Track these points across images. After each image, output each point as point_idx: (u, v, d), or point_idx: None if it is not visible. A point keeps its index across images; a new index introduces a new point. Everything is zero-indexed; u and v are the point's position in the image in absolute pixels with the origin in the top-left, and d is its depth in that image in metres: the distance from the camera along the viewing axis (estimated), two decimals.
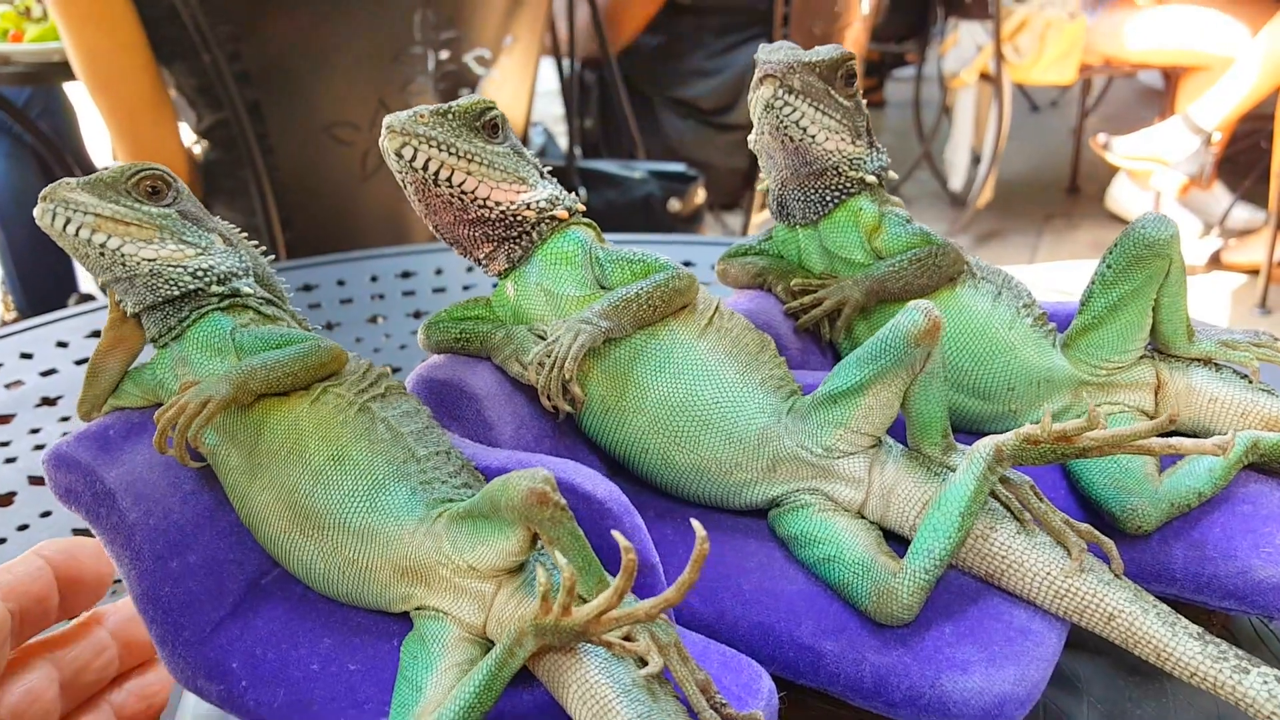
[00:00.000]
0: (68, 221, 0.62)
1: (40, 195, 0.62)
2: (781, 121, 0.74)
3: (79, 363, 1.21)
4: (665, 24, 2.99)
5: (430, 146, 0.67)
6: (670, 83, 2.99)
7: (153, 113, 1.95)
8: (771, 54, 0.75)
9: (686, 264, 1.33)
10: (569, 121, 2.74)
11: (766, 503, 0.68)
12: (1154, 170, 4.04)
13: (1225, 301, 3.85)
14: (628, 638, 0.53)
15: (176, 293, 0.64)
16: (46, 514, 0.93)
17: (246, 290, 0.66)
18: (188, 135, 2.03)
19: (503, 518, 0.55)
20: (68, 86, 2.78)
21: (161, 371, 0.65)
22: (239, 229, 0.71)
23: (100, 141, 4.85)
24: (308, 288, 1.42)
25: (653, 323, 0.69)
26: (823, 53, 0.75)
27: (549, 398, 0.68)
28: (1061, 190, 4.92)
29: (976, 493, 0.60)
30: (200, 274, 0.65)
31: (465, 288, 1.41)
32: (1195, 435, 0.73)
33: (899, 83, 6.19)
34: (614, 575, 0.51)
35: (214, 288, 0.65)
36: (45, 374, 1.20)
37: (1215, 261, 4.04)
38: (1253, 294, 3.79)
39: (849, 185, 0.78)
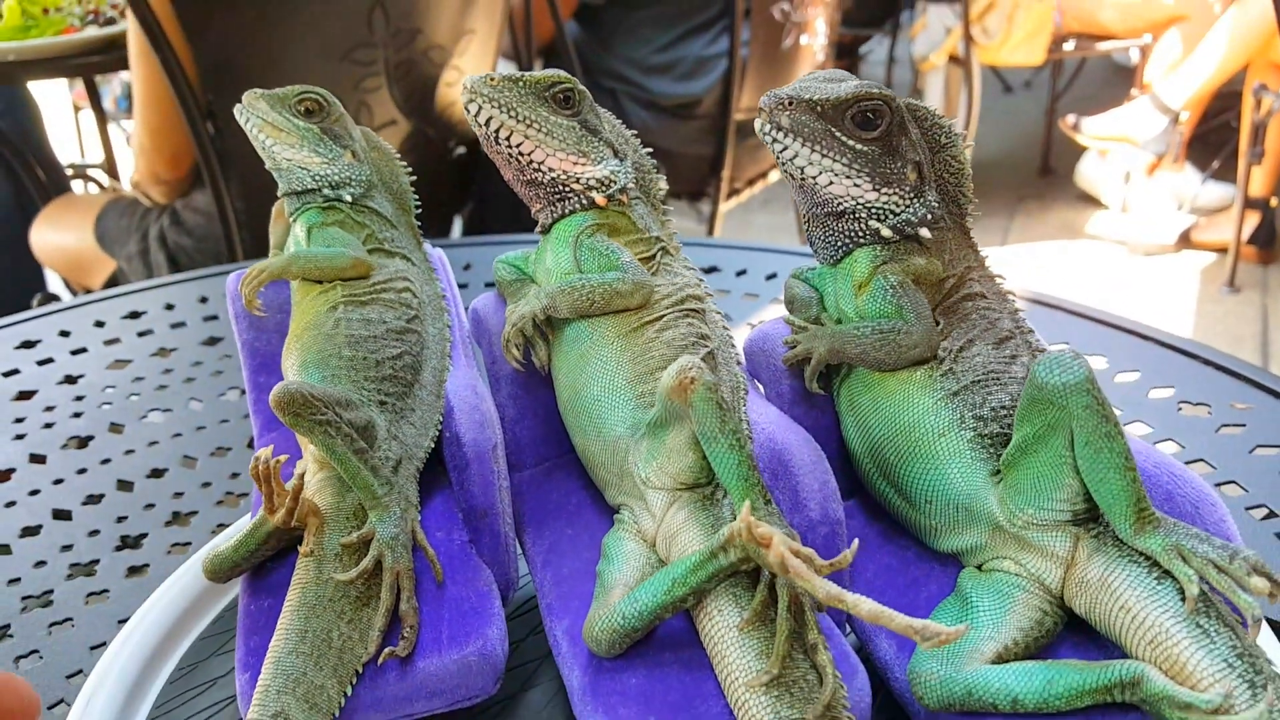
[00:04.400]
0: (248, 119, 0.86)
1: (245, 95, 0.86)
2: (777, 157, 0.71)
3: (42, 363, 1.21)
4: (620, 10, 2.98)
5: (492, 106, 0.74)
6: (629, 70, 2.99)
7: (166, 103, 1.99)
8: (790, 85, 0.72)
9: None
10: None
11: (616, 506, 0.70)
12: (1123, 150, 4.06)
13: (1194, 280, 3.86)
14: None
15: (300, 187, 0.86)
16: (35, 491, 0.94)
17: (346, 199, 0.86)
18: None
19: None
20: (31, 85, 2.78)
21: (288, 239, 0.88)
22: (395, 150, 0.93)
23: (65, 140, 4.85)
24: None
25: (592, 314, 0.73)
26: (832, 90, 0.70)
27: (504, 349, 0.75)
28: (1034, 171, 4.94)
29: (696, 567, 0.57)
30: (318, 178, 0.86)
31: None
32: (1109, 638, 0.60)
33: (871, 65, 6.19)
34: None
35: (324, 190, 0.86)
36: (8, 374, 1.20)
37: (1185, 240, 4.06)
38: (1222, 272, 3.80)
39: (863, 234, 0.71)
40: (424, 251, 0.90)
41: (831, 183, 0.70)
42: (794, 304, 0.76)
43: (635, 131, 0.83)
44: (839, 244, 0.72)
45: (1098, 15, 4.18)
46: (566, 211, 0.77)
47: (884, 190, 0.70)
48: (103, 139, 3.40)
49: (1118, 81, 5.63)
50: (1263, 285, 3.77)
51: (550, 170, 0.76)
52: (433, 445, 0.75)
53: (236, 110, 0.86)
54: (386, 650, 0.62)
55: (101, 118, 3.43)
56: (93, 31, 2.40)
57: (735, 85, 2.91)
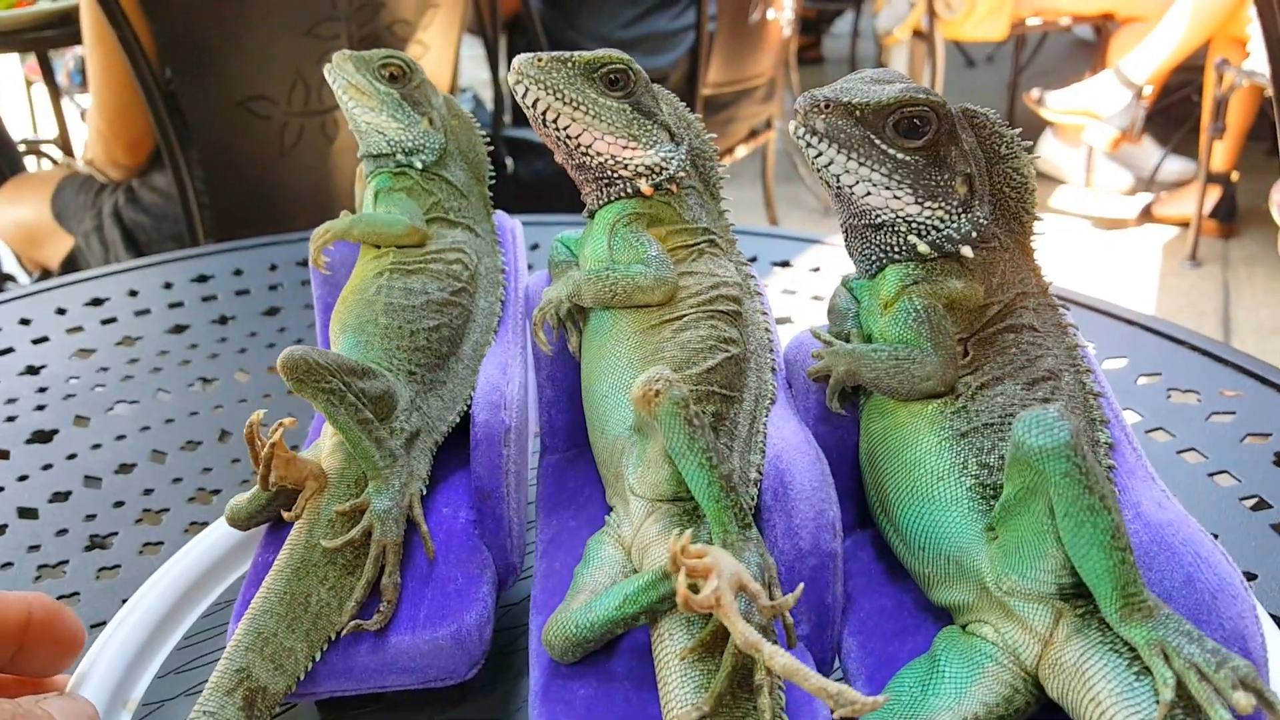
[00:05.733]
0: (335, 80, 0.88)
1: (335, 55, 0.88)
2: (812, 163, 0.66)
3: (2, 353, 1.18)
4: None
5: (539, 88, 0.72)
6: (594, 45, 2.95)
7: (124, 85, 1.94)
8: (830, 85, 0.67)
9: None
10: (495, 87, 2.69)
11: (611, 506, 0.69)
12: (1086, 125, 4.07)
13: (1156, 254, 3.90)
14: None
15: (376, 150, 0.88)
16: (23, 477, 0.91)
17: (417, 165, 0.87)
18: None
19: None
20: None
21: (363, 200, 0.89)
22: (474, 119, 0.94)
23: (18, 117, 4.75)
24: (238, 272, 1.38)
25: (613, 306, 0.71)
26: (874, 93, 0.64)
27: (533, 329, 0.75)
28: None
29: (646, 587, 0.56)
30: (393, 143, 0.87)
31: None
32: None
33: (836, 39, 6.18)
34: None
35: (398, 156, 0.87)
36: None
37: (1147, 215, 4.09)
38: (1184, 246, 3.83)
39: (899, 250, 0.66)
40: (493, 223, 0.91)
41: (869, 193, 0.64)
42: (832, 314, 0.72)
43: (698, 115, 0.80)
44: (875, 257, 0.67)
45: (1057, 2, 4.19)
46: (613, 197, 0.75)
47: (927, 204, 0.64)
48: (56, 114, 3.33)
49: (1079, 56, 5.66)
50: (1224, 259, 3.81)
51: (599, 154, 0.74)
52: (458, 420, 0.76)
53: (326, 69, 0.88)
54: (353, 623, 0.63)
55: (55, 92, 3.36)
56: (46, 5, 2.34)
57: (702, 60, 2.88)
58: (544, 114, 0.73)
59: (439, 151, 0.89)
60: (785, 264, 1.30)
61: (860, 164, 0.64)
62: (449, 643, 0.63)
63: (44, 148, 3.56)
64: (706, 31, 2.85)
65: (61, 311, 1.26)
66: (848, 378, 0.65)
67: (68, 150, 3.31)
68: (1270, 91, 1.42)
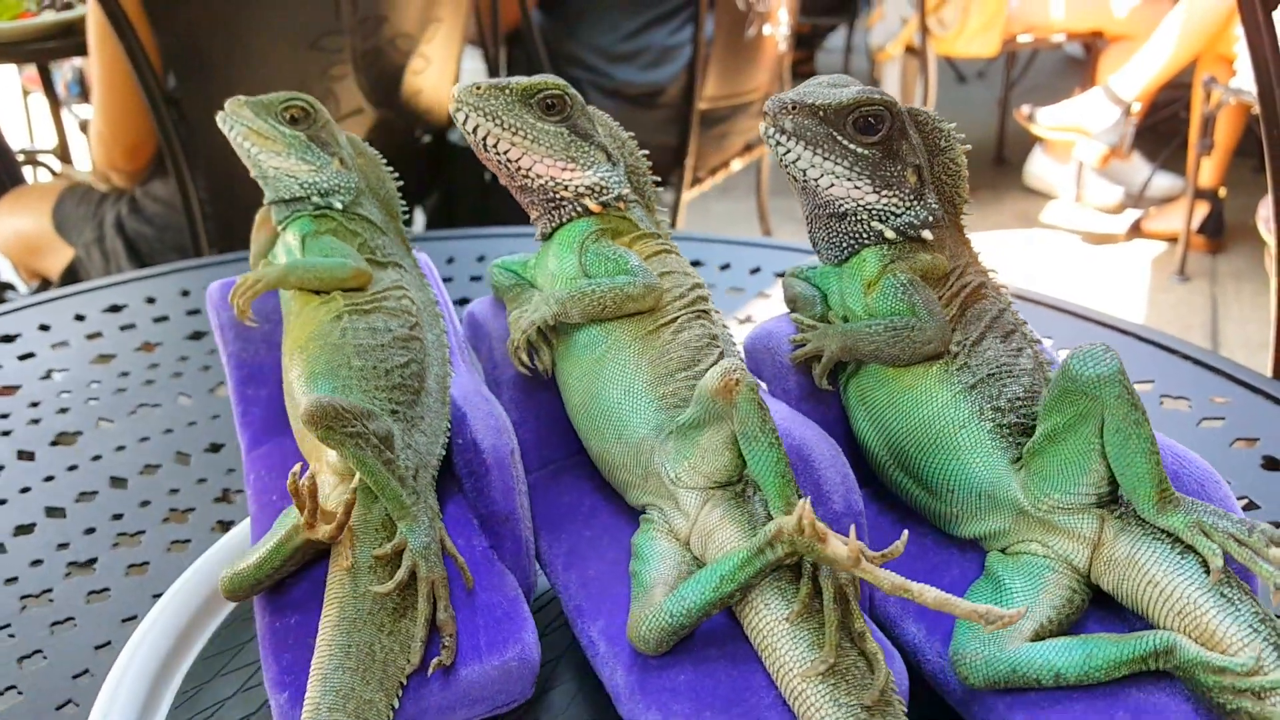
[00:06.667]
0: (231, 126, 0.85)
1: (227, 103, 0.85)
2: (780, 160, 0.73)
3: (23, 358, 1.20)
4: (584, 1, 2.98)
5: (478, 115, 0.75)
6: (593, 58, 2.99)
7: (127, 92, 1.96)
8: (794, 89, 0.74)
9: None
10: None
11: (640, 507, 0.72)
12: (1076, 141, 4.12)
13: (1145, 269, 3.94)
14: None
15: (288, 195, 0.85)
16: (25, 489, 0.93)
17: (337, 206, 0.85)
18: None
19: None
20: None
21: (275, 248, 0.87)
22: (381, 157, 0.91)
23: (15, 127, 4.75)
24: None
25: (603, 318, 0.74)
26: (834, 95, 0.72)
27: (510, 354, 0.76)
28: (988, 161, 4.99)
29: (745, 563, 0.59)
30: (306, 185, 0.85)
31: None
32: (1137, 612, 0.63)
33: (830, 54, 6.23)
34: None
35: (314, 198, 0.85)
36: None
37: (1136, 230, 4.13)
38: (1172, 261, 3.88)
39: (866, 235, 0.74)
40: (414, 258, 0.90)
41: (833, 185, 0.73)
42: (797, 302, 0.78)
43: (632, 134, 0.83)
44: (843, 244, 0.75)
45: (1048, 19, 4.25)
46: (565, 219, 0.78)
47: (884, 193, 0.73)
48: (56, 124, 3.34)
49: (1069, 73, 5.71)
50: (1212, 274, 3.85)
51: (539, 177, 0.77)
52: (444, 452, 0.75)
53: (220, 118, 0.85)
54: (435, 660, 0.62)
55: (55, 103, 3.37)
56: (50, 16, 2.37)
57: (699, 74, 2.92)
58: (484, 139, 0.75)
59: (355, 191, 0.87)
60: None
61: (825, 158, 0.72)
62: (516, 664, 0.64)
63: (41, 158, 3.57)
64: (704, 46, 2.88)
65: (80, 318, 1.29)
66: (842, 354, 0.73)
67: (66, 160, 3.32)
68: (1257, 109, 1.46)
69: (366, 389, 0.74)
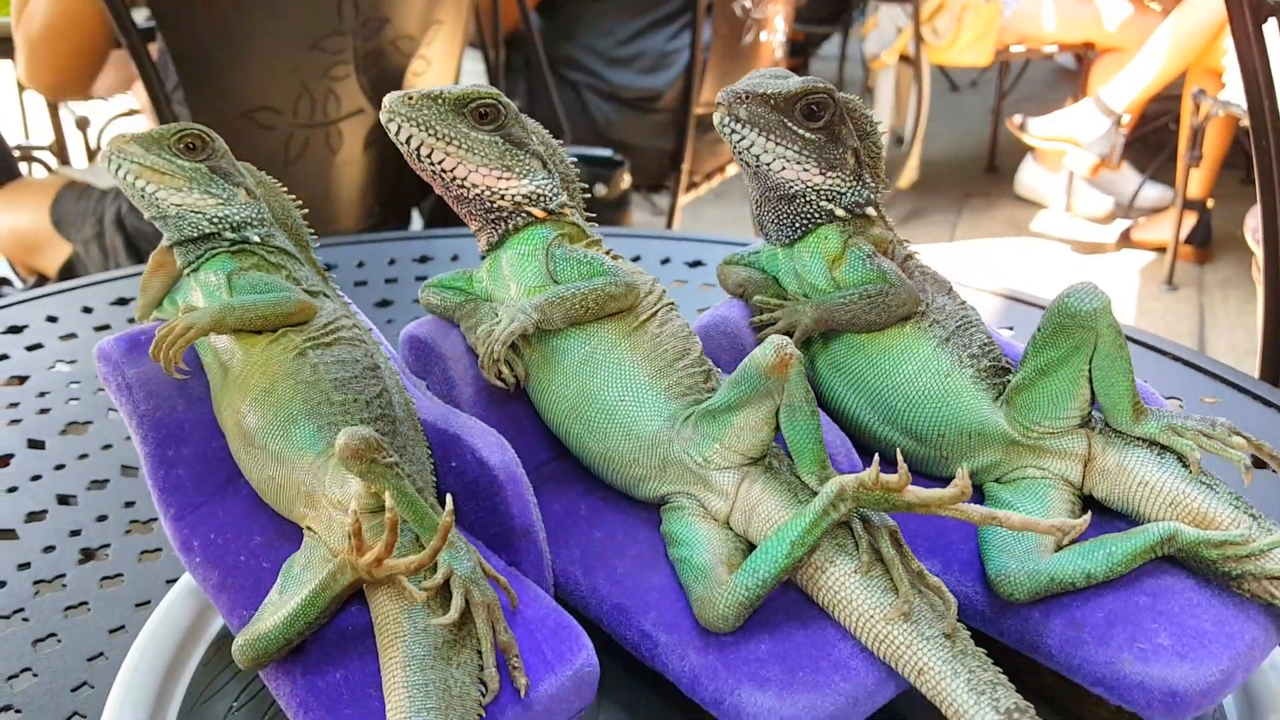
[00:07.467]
0: (119, 167, 0.76)
1: (107, 143, 0.77)
2: (734, 147, 0.77)
3: (31, 348, 1.21)
4: (584, 1, 3.00)
5: (410, 125, 0.75)
6: (591, 62, 3.01)
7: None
8: (743, 81, 0.78)
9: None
10: None
11: (658, 499, 0.73)
12: (1067, 151, 4.16)
13: (1134, 278, 3.97)
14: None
15: (196, 233, 0.77)
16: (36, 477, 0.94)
17: (255, 239, 0.78)
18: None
19: None
20: None
21: (181, 295, 0.79)
22: (279, 184, 0.84)
23: (10, 122, 4.74)
24: None
25: (585, 321, 0.75)
26: (782, 85, 0.76)
27: (485, 370, 0.75)
28: (980, 169, 5.03)
29: (812, 525, 0.62)
30: (216, 220, 0.78)
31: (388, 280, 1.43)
32: (1126, 515, 0.71)
33: (824, 62, 6.26)
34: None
35: (227, 234, 0.78)
36: None
37: (1125, 240, 4.17)
38: (1160, 271, 3.91)
39: (817, 215, 0.78)
40: (333, 286, 0.83)
41: (784, 168, 0.77)
42: (747, 286, 0.82)
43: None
44: (795, 225, 0.80)
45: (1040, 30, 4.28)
46: (510, 229, 0.78)
47: (829, 174, 0.78)
48: (52, 121, 3.34)
49: (1061, 84, 5.75)
50: (1199, 284, 3.89)
51: (474, 186, 0.77)
52: (434, 478, 0.73)
53: (102, 158, 0.78)
54: (523, 683, 0.60)
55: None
56: None
57: (696, 80, 2.94)
58: (418, 150, 0.76)
59: (267, 221, 0.80)
60: None
61: (776, 144, 0.77)
62: (588, 670, 0.63)
63: (37, 154, 3.57)
64: (701, 51, 2.91)
65: (88, 310, 1.30)
66: (817, 326, 0.77)
67: (62, 157, 3.32)
68: (1245, 121, 1.48)
69: (351, 424, 0.70)
